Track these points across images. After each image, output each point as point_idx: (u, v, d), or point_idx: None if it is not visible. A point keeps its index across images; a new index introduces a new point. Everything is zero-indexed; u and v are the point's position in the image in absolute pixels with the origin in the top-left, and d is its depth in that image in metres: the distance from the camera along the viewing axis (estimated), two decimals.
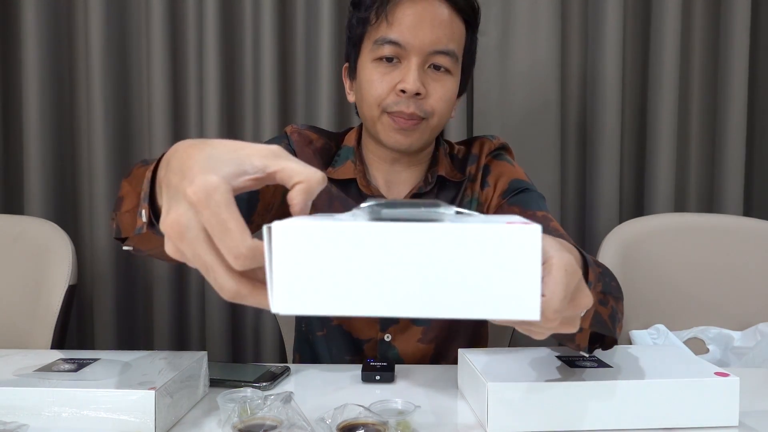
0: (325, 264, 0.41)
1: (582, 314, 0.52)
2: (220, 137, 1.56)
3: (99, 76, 1.48)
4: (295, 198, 0.45)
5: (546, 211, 0.96)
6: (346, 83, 1.04)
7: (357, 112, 1.03)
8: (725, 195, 1.56)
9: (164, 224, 0.45)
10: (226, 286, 0.43)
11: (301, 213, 0.46)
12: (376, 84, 0.94)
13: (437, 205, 0.43)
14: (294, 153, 1.04)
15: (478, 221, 0.43)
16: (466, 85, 1.04)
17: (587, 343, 0.72)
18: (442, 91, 0.94)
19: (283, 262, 0.41)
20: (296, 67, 1.55)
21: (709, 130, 1.61)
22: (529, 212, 0.95)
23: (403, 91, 0.92)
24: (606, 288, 0.72)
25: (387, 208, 0.43)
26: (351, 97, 1.03)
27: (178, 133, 1.53)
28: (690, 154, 1.62)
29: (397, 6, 0.93)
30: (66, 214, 1.54)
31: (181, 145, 0.50)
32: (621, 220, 1.53)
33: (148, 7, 1.49)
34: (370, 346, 1.03)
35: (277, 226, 0.41)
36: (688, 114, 1.60)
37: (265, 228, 0.41)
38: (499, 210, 1.00)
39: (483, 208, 1.03)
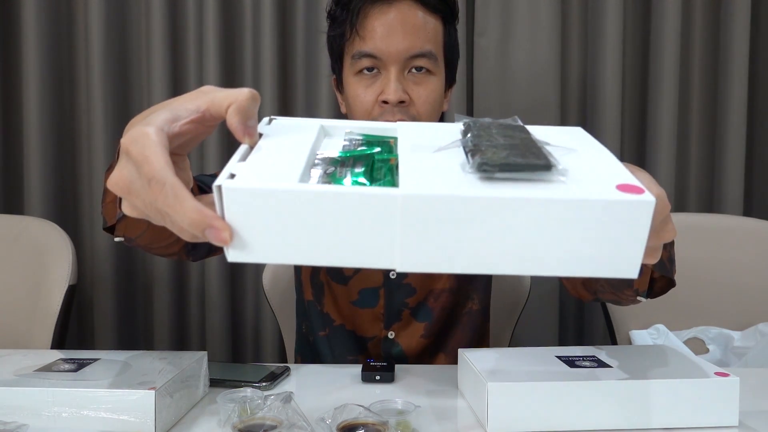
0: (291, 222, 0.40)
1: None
2: (220, 136, 1.55)
3: (99, 76, 1.48)
4: (232, 122, 0.46)
5: None
6: (338, 96, 1.05)
7: None
8: (725, 195, 1.56)
9: (110, 183, 0.45)
10: (185, 226, 0.42)
11: (245, 134, 0.47)
12: (361, 98, 0.95)
13: (548, 168, 0.42)
14: None
15: (586, 184, 0.41)
16: (454, 77, 1.04)
17: (647, 286, 0.73)
18: (425, 93, 0.94)
19: (235, 221, 0.41)
20: (296, 66, 1.55)
21: (709, 130, 1.61)
22: None
23: (386, 102, 0.92)
24: None
25: (502, 172, 0.42)
26: (344, 109, 1.03)
27: None
28: (690, 154, 1.61)
29: (367, 18, 0.92)
30: (66, 214, 1.54)
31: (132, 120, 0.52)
32: None
33: (148, 7, 1.49)
34: (373, 344, 1.03)
35: (226, 188, 0.40)
36: (688, 114, 1.60)
37: (214, 187, 0.41)
38: None
39: None
